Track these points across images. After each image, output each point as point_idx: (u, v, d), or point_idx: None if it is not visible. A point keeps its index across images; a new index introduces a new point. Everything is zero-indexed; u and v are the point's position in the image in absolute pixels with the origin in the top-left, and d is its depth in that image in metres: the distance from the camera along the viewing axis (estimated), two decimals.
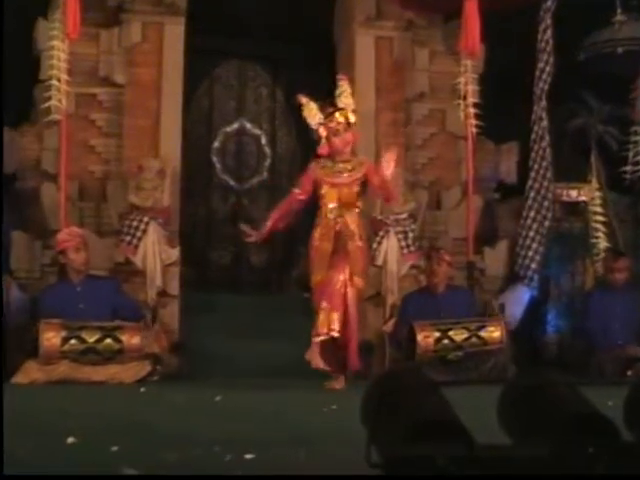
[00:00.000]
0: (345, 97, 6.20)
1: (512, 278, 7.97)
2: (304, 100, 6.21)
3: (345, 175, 6.13)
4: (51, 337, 6.19)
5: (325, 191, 6.13)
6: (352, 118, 6.13)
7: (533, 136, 7.96)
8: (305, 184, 6.21)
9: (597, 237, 8.26)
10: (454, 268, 7.35)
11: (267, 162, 9.55)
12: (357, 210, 6.16)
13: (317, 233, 6.10)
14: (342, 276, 5.96)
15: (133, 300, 6.91)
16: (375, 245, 7.44)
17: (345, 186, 6.11)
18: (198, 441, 3.22)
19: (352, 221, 6.09)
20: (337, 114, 6.09)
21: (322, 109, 6.16)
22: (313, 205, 6.34)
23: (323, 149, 6.16)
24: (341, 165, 6.15)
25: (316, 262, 6.09)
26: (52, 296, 6.58)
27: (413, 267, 7.61)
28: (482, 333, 6.71)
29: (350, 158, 6.21)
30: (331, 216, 6.08)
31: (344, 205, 6.09)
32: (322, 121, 6.12)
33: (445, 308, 6.89)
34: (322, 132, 6.12)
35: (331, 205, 6.09)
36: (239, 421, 3.99)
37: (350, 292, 5.97)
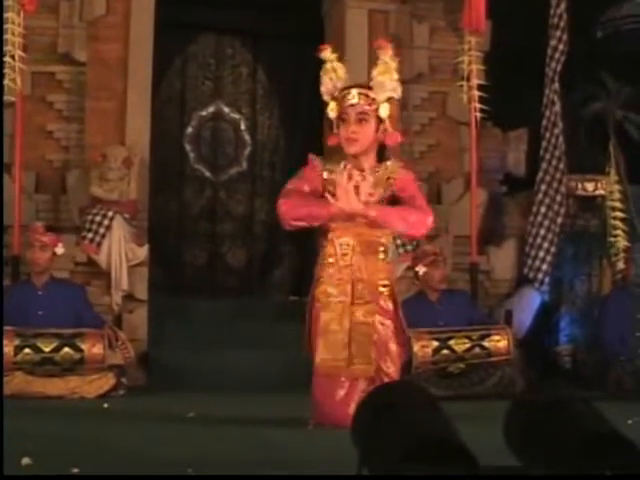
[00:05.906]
0: (381, 73, 4.61)
1: (520, 281, 7.99)
2: (330, 55, 4.68)
3: (363, 193, 4.50)
4: (3, 346, 6.16)
5: None
6: (383, 110, 4.56)
7: (544, 122, 7.98)
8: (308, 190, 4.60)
9: (616, 235, 8.27)
10: (455, 270, 7.35)
11: (247, 150, 9.53)
12: (382, 255, 4.61)
13: (323, 283, 4.52)
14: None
15: (96, 312, 6.83)
16: None
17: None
18: (168, 463, 3.22)
19: (375, 270, 4.57)
20: (354, 91, 4.57)
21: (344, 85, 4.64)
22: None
23: (331, 138, 4.68)
24: (357, 175, 4.55)
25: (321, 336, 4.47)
26: (13, 298, 6.50)
27: (409, 268, 7.62)
28: (486, 343, 6.71)
29: (372, 165, 4.62)
30: (343, 263, 4.53)
31: (363, 243, 4.57)
32: (337, 94, 4.61)
33: (443, 316, 6.85)
34: (331, 111, 4.62)
35: (342, 240, 4.56)
36: (214, 441, 3.98)
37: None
